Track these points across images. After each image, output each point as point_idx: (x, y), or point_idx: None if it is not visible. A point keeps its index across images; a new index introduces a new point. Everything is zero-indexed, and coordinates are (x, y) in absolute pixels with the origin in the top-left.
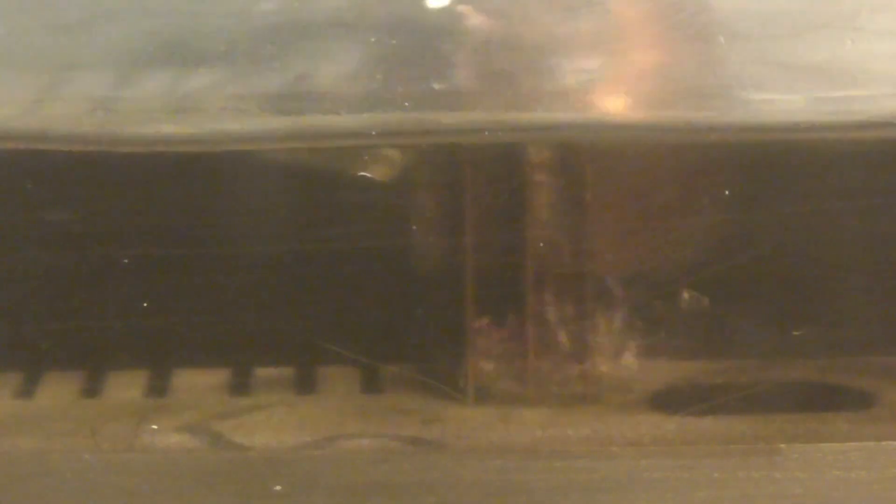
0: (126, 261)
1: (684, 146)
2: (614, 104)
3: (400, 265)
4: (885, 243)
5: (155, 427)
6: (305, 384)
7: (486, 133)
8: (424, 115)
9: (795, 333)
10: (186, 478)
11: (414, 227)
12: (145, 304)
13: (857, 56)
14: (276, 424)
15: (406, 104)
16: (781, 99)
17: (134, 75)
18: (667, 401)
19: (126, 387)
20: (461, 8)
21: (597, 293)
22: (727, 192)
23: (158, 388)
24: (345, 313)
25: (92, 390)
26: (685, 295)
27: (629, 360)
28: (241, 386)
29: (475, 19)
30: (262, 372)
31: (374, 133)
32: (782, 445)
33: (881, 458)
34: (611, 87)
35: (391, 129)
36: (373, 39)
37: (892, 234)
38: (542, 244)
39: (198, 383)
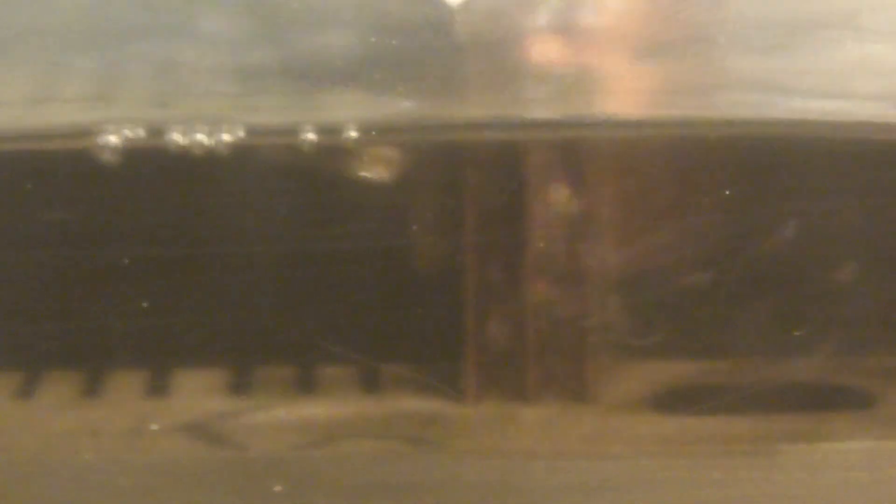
0: (126, 261)
1: (684, 145)
2: (612, 102)
3: (400, 265)
4: (885, 243)
5: (155, 427)
6: (305, 384)
7: (486, 131)
8: (424, 113)
9: (795, 333)
10: (186, 478)
11: (414, 227)
12: (145, 304)
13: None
14: (276, 424)
15: (406, 103)
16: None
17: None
18: (667, 401)
19: (126, 387)
20: (460, 7)
21: (596, 293)
22: (727, 192)
23: (158, 388)
24: (345, 313)
25: (92, 390)
26: None
27: (629, 360)
28: (241, 386)
29: (475, 19)
30: (262, 372)
31: (374, 132)
32: (782, 445)
33: (881, 458)
34: (608, 86)
35: (391, 128)
36: (373, 39)
37: (892, 233)
38: (542, 244)
39: (198, 383)
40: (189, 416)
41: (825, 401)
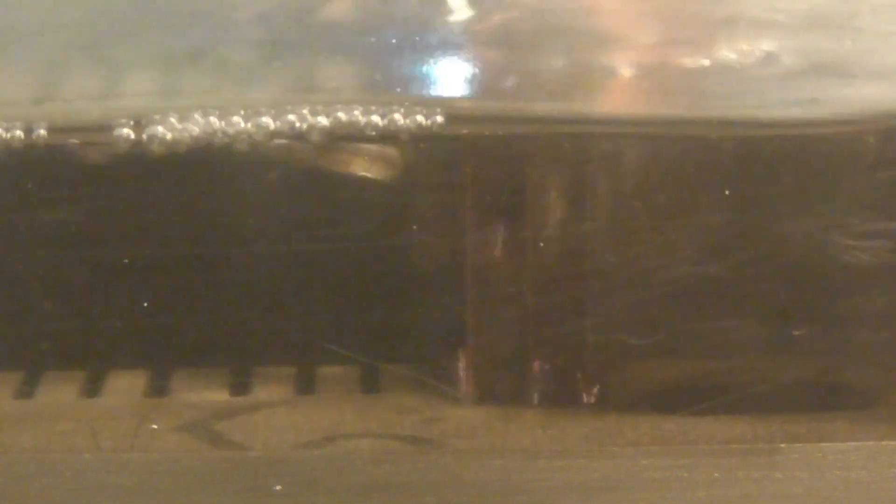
0: (126, 261)
1: (684, 146)
2: (612, 100)
3: (400, 265)
4: (885, 243)
5: (155, 427)
6: (305, 384)
7: (487, 129)
8: (425, 112)
9: (795, 333)
10: (186, 478)
11: (414, 227)
12: (145, 304)
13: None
14: (276, 424)
15: (405, 103)
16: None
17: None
18: (667, 401)
19: (126, 387)
20: (460, 6)
21: (597, 293)
22: (727, 192)
23: (158, 388)
24: (345, 313)
25: (92, 390)
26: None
27: (629, 360)
28: (241, 386)
29: (475, 18)
30: (262, 372)
31: (373, 133)
32: (782, 445)
33: (881, 458)
34: (610, 83)
35: (389, 127)
36: (373, 39)
37: (892, 233)
38: (542, 244)
39: (198, 383)
40: (189, 416)
41: (825, 401)
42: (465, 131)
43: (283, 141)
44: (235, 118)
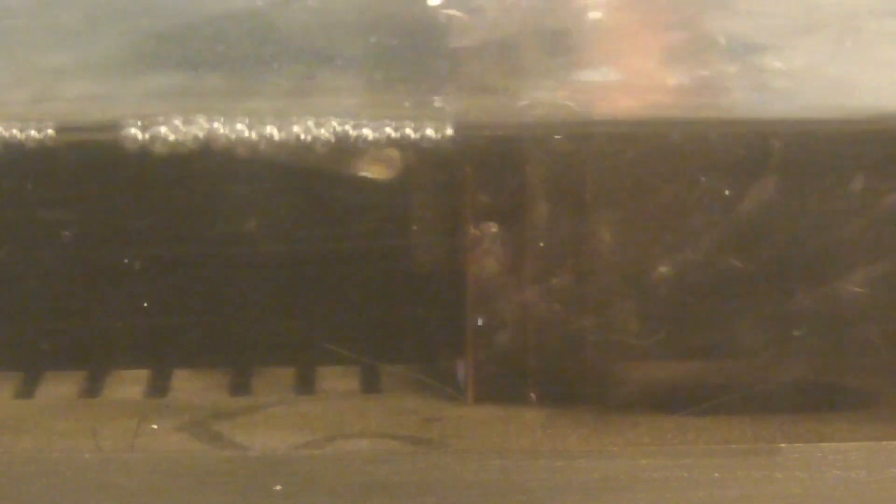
0: (126, 261)
1: (684, 146)
2: (613, 101)
3: (400, 265)
4: (885, 243)
5: (155, 427)
6: (305, 384)
7: (487, 131)
8: (425, 115)
9: (795, 333)
10: (186, 478)
11: (414, 227)
12: (145, 304)
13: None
14: (275, 424)
15: (406, 104)
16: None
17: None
18: (667, 401)
19: (126, 387)
20: (462, 8)
21: (596, 293)
22: (727, 192)
23: (158, 388)
24: (345, 313)
25: (92, 390)
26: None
27: (629, 360)
28: (241, 386)
29: (476, 19)
30: (262, 372)
31: (373, 137)
32: (782, 445)
33: (881, 458)
34: (610, 85)
35: (389, 129)
36: (373, 40)
37: (892, 233)
38: (541, 244)
39: (198, 383)
40: (189, 416)
41: (825, 401)
42: (465, 135)
43: (285, 142)
44: (239, 125)
